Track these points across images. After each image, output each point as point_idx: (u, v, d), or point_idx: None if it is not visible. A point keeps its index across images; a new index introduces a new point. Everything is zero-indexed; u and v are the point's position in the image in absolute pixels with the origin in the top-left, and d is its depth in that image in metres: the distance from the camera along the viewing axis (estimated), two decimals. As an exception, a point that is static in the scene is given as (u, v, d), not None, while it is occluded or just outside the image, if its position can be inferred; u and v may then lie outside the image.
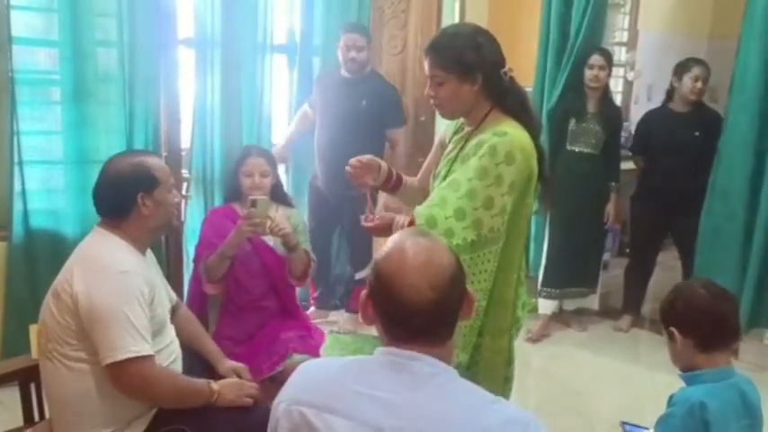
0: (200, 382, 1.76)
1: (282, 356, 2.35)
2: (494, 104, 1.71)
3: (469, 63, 1.65)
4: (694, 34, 5.31)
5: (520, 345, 3.43)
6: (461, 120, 1.83)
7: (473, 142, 1.69)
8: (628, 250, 4.01)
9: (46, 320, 1.67)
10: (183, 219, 2.98)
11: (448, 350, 1.08)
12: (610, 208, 3.59)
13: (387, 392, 1.00)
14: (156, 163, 1.79)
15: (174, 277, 2.91)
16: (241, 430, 1.82)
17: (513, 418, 0.99)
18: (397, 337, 1.05)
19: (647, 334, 3.68)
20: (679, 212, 3.51)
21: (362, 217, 1.74)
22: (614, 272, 4.09)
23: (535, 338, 3.53)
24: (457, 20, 4.22)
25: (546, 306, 3.59)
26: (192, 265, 2.83)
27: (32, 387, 1.86)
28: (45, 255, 2.65)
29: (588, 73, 3.37)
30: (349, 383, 1.03)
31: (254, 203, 2.35)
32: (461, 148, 1.73)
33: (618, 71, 4.81)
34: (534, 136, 1.72)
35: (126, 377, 1.60)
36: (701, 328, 1.56)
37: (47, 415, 1.83)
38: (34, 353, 1.79)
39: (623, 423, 1.78)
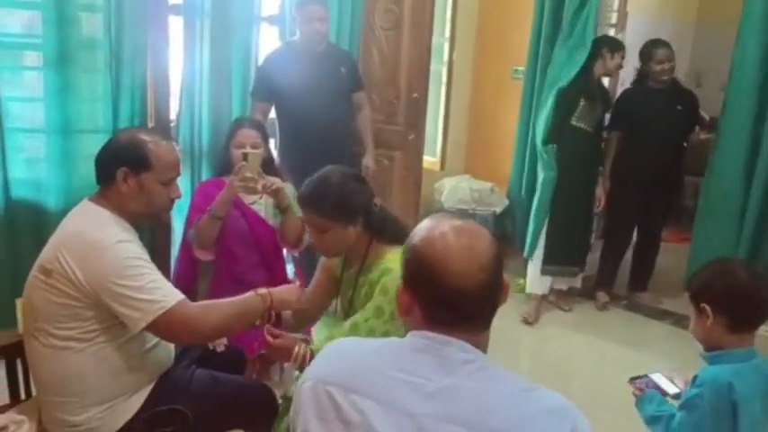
0: (246, 295, 1.69)
1: (274, 334, 2.32)
2: (371, 237, 1.80)
3: (351, 208, 1.75)
4: (682, 18, 5.33)
5: (511, 326, 3.48)
6: None
7: (365, 287, 1.79)
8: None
9: (33, 299, 1.60)
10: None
11: (485, 341, 1.05)
12: (600, 192, 3.62)
13: (421, 378, 0.97)
14: (158, 149, 1.67)
15: (160, 253, 2.84)
16: (237, 409, 1.81)
17: (551, 408, 0.96)
18: (440, 322, 1.01)
19: (624, 313, 3.78)
20: (652, 194, 3.60)
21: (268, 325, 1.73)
22: (598, 253, 4.12)
23: (533, 320, 3.56)
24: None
25: (538, 286, 3.62)
26: (179, 241, 2.77)
27: (19, 363, 1.80)
28: (27, 226, 2.55)
29: (617, 63, 3.44)
30: (382, 367, 1.00)
31: (245, 157, 2.33)
32: (353, 289, 1.84)
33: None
34: None
35: (169, 329, 1.56)
36: (738, 309, 1.56)
37: (33, 392, 1.78)
38: (21, 328, 1.72)
39: (632, 379, 1.78)
